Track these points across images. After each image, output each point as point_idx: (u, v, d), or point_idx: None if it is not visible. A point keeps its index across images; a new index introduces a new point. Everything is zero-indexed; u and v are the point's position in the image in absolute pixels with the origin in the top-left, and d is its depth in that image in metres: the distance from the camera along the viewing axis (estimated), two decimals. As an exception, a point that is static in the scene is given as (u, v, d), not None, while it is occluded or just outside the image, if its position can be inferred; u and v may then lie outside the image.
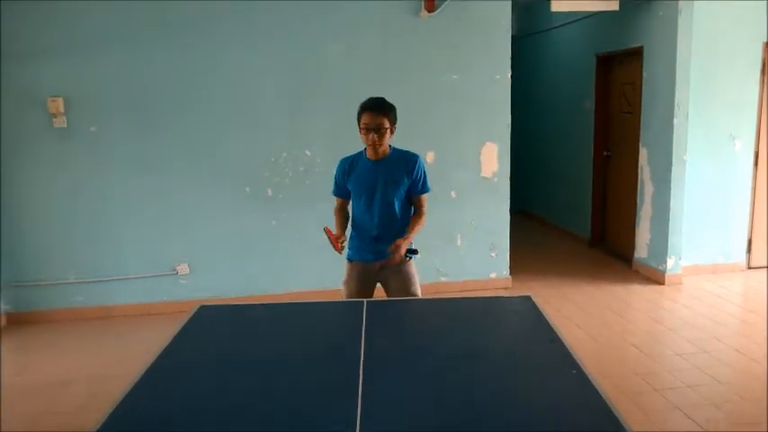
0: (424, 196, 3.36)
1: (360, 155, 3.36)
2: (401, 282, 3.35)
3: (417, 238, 3.37)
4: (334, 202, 3.52)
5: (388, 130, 3.21)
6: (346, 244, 3.37)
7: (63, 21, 5.02)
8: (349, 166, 3.36)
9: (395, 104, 3.29)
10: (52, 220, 5.28)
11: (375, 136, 3.17)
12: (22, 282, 5.32)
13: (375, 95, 3.29)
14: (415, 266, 3.43)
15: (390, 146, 3.32)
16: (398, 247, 3.14)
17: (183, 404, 2.11)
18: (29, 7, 4.94)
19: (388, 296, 3.43)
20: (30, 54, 5.04)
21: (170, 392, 2.21)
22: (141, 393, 2.15)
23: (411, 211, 3.40)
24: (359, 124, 3.23)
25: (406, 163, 3.29)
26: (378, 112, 3.17)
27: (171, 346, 2.57)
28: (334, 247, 3.22)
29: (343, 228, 3.41)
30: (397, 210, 3.31)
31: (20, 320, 5.31)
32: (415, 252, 3.33)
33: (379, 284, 3.45)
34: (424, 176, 3.33)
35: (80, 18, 5.03)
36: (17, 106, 5.09)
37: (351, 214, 3.49)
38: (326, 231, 3.26)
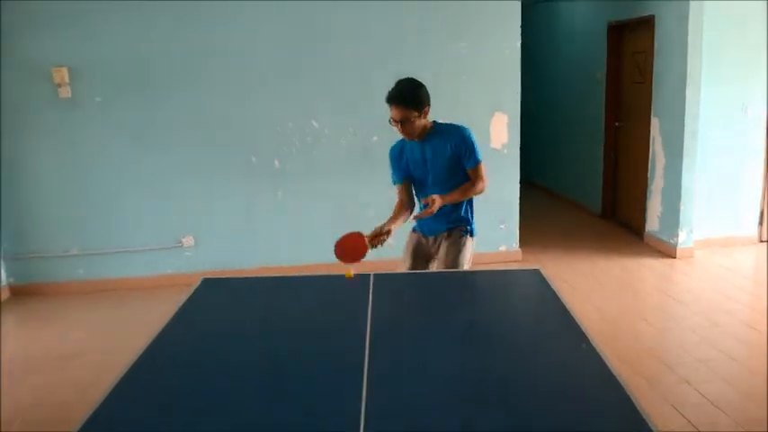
0: (477, 168, 3.26)
1: (403, 139, 3.32)
2: (447, 253, 3.32)
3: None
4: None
5: (417, 118, 3.13)
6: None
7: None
8: (399, 152, 3.34)
9: (403, 74, 3.19)
10: (56, 191, 5.27)
11: (404, 128, 3.14)
12: (26, 254, 5.32)
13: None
14: (471, 244, 3.37)
15: (433, 122, 3.27)
16: (434, 201, 3.10)
17: (186, 378, 2.09)
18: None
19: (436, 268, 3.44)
20: (33, 24, 4.98)
21: (172, 367, 2.19)
22: (144, 368, 2.13)
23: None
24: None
25: (451, 137, 3.23)
26: (402, 104, 3.09)
27: (174, 319, 2.55)
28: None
29: (397, 220, 3.30)
30: (448, 185, 3.25)
31: (23, 292, 5.32)
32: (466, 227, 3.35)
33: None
34: (472, 148, 3.24)
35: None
36: (21, 77, 5.05)
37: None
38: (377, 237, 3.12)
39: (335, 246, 3.03)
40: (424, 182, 3.32)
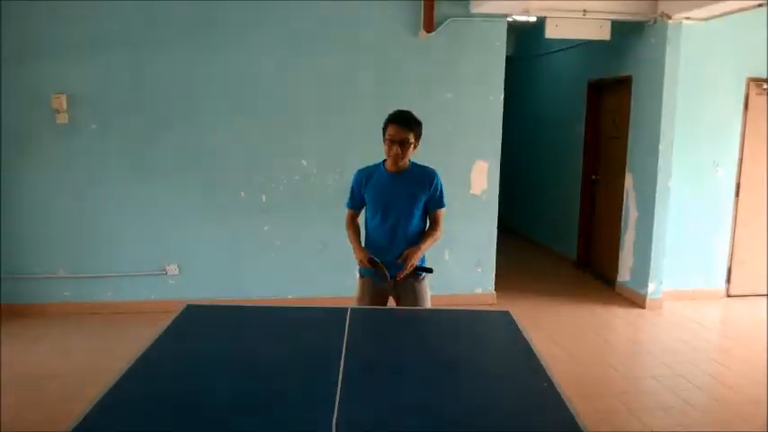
0: (441, 211, 3.36)
1: (377, 166, 3.38)
2: (413, 299, 3.36)
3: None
4: (343, 213, 3.50)
5: (412, 145, 3.22)
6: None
7: (68, 20, 5.14)
8: (366, 178, 3.36)
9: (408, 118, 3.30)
10: (46, 214, 5.36)
11: (399, 149, 3.18)
12: (13, 274, 5.38)
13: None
14: (428, 285, 3.45)
15: (410, 161, 3.33)
16: (408, 256, 3.18)
17: (163, 400, 2.16)
18: (36, 7, 5.05)
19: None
20: (35, 52, 5.15)
21: (151, 388, 2.26)
22: (123, 389, 2.19)
23: (426, 227, 3.42)
24: (384, 134, 3.24)
25: (425, 178, 3.31)
26: (404, 125, 3.18)
27: (156, 342, 2.61)
28: (381, 273, 3.22)
29: (360, 243, 3.39)
30: (413, 224, 3.32)
31: (9, 312, 5.35)
32: (429, 270, 3.38)
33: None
34: (442, 192, 3.35)
35: (85, 18, 5.15)
36: (21, 103, 5.19)
37: (364, 228, 3.47)
38: (373, 262, 3.23)
39: None
40: (384, 211, 3.30)
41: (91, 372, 4.07)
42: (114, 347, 4.50)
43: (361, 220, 3.51)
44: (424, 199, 3.32)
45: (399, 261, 3.21)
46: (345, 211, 3.50)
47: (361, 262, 3.30)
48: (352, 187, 3.43)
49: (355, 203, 3.45)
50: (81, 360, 4.53)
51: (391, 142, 3.19)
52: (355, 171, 3.44)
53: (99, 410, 2.04)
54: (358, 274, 3.48)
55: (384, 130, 3.25)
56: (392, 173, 3.31)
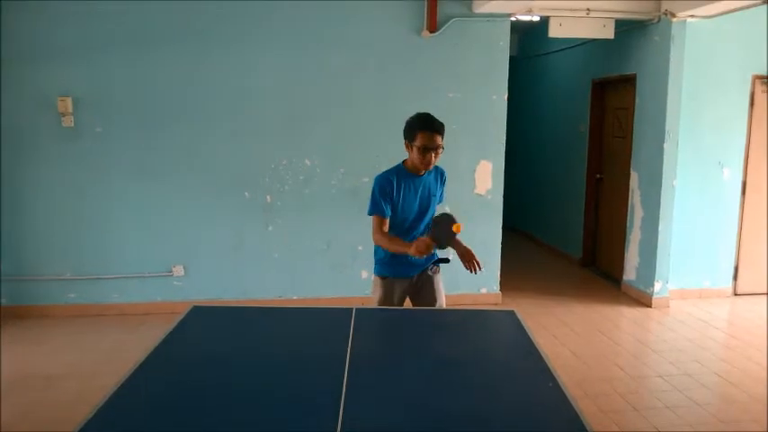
0: (440, 206, 3.43)
1: (397, 171, 3.25)
2: (431, 294, 3.39)
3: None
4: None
5: (440, 149, 3.15)
6: (380, 259, 3.35)
7: (73, 23, 5.16)
8: (395, 186, 3.18)
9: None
10: (52, 216, 5.38)
11: (432, 156, 3.11)
12: (19, 276, 5.41)
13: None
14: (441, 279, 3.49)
15: None
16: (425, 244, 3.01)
17: (170, 400, 2.18)
18: (41, 8, 5.08)
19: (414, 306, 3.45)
20: (41, 55, 5.17)
21: (158, 389, 2.28)
22: (129, 390, 2.21)
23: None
24: (411, 141, 3.11)
25: (439, 176, 3.36)
26: (438, 132, 3.10)
27: (162, 344, 2.63)
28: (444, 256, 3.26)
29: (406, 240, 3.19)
30: (427, 219, 3.35)
31: (16, 314, 5.39)
32: (446, 261, 3.41)
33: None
34: (444, 187, 3.44)
35: (90, 20, 5.17)
36: (27, 106, 5.22)
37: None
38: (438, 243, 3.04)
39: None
40: (414, 218, 3.27)
41: (97, 373, 4.12)
42: (121, 349, 4.54)
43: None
44: (438, 196, 3.40)
45: (467, 259, 3.20)
46: (371, 220, 3.24)
47: (423, 253, 2.99)
48: (379, 196, 3.19)
49: (384, 210, 3.19)
50: (87, 361, 4.54)
51: (426, 149, 3.08)
52: (377, 177, 3.24)
53: (106, 411, 2.05)
54: (375, 276, 3.41)
55: (412, 136, 3.12)
56: (418, 177, 3.24)
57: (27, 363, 4.56)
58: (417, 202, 3.26)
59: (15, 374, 4.33)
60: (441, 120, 3.19)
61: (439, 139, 3.11)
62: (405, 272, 3.36)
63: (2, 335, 5.05)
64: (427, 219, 3.32)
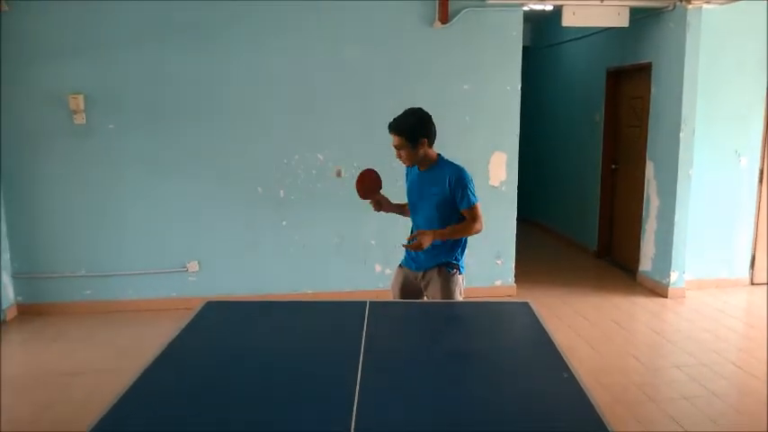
0: (471, 209, 3.24)
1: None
2: (435, 293, 3.33)
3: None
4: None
5: (410, 149, 3.20)
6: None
7: (85, 21, 5.18)
8: (408, 173, 3.47)
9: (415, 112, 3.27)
10: (67, 213, 5.42)
11: (398, 154, 3.26)
12: (35, 274, 5.46)
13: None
14: (458, 282, 3.37)
15: (439, 156, 3.32)
16: (422, 235, 3.14)
17: (184, 395, 2.19)
18: (52, 7, 5.09)
19: None
20: (52, 53, 5.20)
21: (172, 384, 2.30)
22: (145, 385, 2.23)
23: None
24: None
25: (445, 176, 3.23)
26: (394, 131, 3.21)
27: (177, 339, 2.66)
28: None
29: (401, 206, 3.53)
30: (436, 221, 3.26)
31: (31, 312, 5.44)
32: (449, 265, 3.34)
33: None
34: (465, 190, 3.22)
35: (101, 18, 5.18)
36: (39, 104, 5.24)
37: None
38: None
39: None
40: (414, 209, 3.41)
41: (114, 369, 4.13)
42: (136, 345, 4.56)
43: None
44: (443, 196, 3.24)
45: (409, 237, 3.29)
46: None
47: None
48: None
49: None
50: (104, 357, 4.58)
51: (395, 148, 3.26)
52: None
53: (122, 406, 2.07)
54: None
55: None
56: (421, 171, 3.34)
57: (44, 360, 4.61)
58: (414, 195, 3.39)
59: (33, 371, 4.38)
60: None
61: (395, 138, 3.21)
62: (407, 263, 3.49)
63: (19, 332, 5.11)
64: (426, 213, 3.31)
